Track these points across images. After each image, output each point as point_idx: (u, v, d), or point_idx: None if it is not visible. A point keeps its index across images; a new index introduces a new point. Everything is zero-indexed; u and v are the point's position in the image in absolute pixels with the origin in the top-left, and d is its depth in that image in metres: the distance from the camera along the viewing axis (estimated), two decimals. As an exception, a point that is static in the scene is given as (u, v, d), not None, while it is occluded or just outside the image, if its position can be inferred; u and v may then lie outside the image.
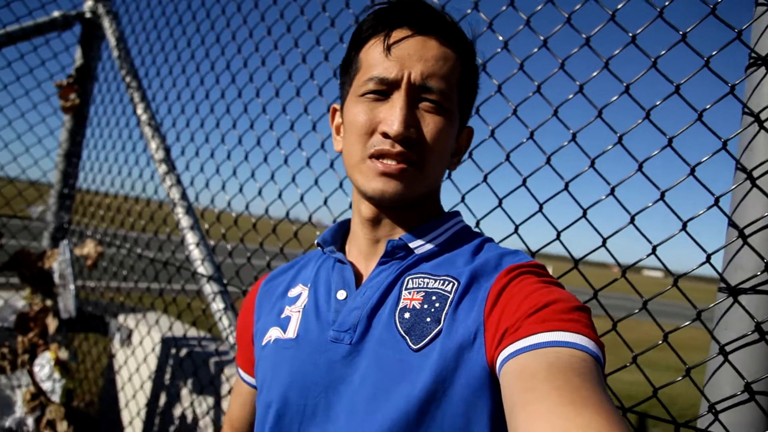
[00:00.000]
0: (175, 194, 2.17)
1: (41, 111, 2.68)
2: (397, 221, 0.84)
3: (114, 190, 2.78)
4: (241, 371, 1.01)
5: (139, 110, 2.37)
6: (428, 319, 0.73)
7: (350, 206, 1.05)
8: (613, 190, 1.22)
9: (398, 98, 0.76)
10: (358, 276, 0.85)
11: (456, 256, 0.81)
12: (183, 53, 2.33)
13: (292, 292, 0.91)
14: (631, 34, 1.21)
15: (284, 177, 1.75)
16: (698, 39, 1.25)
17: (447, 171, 0.96)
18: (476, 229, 1.00)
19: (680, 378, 1.13)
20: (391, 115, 0.75)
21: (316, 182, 1.66)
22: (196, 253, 2.07)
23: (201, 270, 2.04)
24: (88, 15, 2.74)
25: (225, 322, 1.94)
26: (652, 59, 1.18)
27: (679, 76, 1.17)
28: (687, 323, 1.13)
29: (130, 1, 2.76)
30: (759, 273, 1.04)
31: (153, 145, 2.29)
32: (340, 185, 1.62)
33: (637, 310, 1.15)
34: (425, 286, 0.77)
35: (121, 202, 2.67)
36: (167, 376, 2.41)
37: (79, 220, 3.00)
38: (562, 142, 1.28)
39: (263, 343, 0.88)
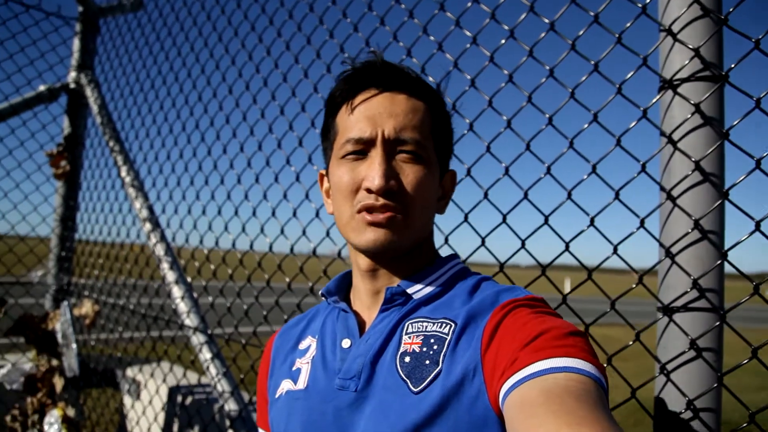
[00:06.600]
0: (159, 250, 2.25)
1: (35, 180, 2.81)
2: (394, 270, 0.87)
3: (109, 239, 2.87)
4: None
5: (123, 172, 2.48)
6: (427, 362, 0.75)
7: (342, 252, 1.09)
8: (546, 219, 1.25)
9: (376, 155, 0.81)
10: (361, 324, 0.88)
11: (453, 298, 0.83)
12: (157, 116, 2.44)
13: (302, 345, 0.94)
14: (548, 68, 1.26)
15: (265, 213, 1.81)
16: (612, 63, 1.29)
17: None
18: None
19: (624, 401, 1.14)
20: (372, 171, 0.80)
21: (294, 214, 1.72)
22: (182, 306, 2.14)
23: (187, 322, 2.10)
24: (72, 85, 2.88)
25: (213, 371, 2.00)
26: (570, 90, 1.23)
27: (596, 104, 1.22)
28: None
29: (108, 69, 2.91)
30: (689, 290, 1.05)
31: (137, 204, 2.38)
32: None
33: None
34: (424, 329, 0.79)
35: (117, 250, 2.76)
36: (174, 424, 2.47)
37: (80, 271, 3.08)
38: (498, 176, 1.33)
39: (276, 396, 0.90)
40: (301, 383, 0.86)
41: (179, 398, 2.48)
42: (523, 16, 1.32)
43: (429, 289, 0.85)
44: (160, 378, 2.55)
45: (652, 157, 1.13)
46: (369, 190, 0.80)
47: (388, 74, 0.84)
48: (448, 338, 0.76)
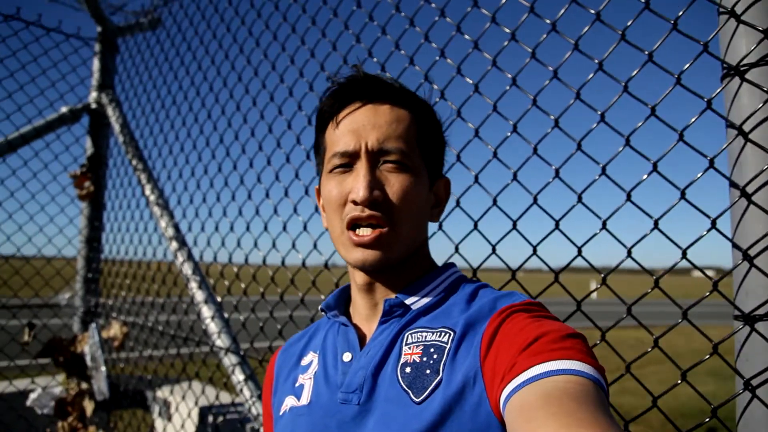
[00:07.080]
0: (187, 270, 2.21)
1: (59, 202, 2.81)
2: (390, 283, 0.87)
3: (136, 258, 2.84)
4: None
5: (147, 191, 2.45)
6: (428, 371, 0.75)
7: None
8: (604, 224, 1.16)
9: (360, 167, 0.82)
10: (362, 337, 0.88)
11: (452, 307, 0.83)
12: (180, 132, 2.41)
13: (304, 361, 0.94)
14: (597, 61, 1.17)
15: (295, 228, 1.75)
16: (669, 53, 1.20)
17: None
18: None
19: (707, 419, 1.04)
20: (357, 183, 0.81)
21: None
22: (212, 327, 2.09)
23: (218, 343, 2.04)
24: (93, 106, 2.88)
25: (246, 393, 1.93)
26: (623, 83, 1.14)
27: (654, 97, 1.13)
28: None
29: (128, 87, 2.89)
30: (772, 296, 0.96)
31: (162, 223, 2.34)
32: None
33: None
34: (423, 339, 0.79)
35: (144, 270, 2.72)
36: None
37: (107, 291, 3.06)
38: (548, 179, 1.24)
39: (280, 413, 0.90)
40: (305, 399, 0.86)
41: (211, 419, 2.43)
42: (564, 9, 1.24)
43: (427, 299, 0.85)
44: (192, 399, 2.50)
45: (721, 151, 1.04)
46: (355, 202, 0.81)
47: (371, 86, 0.86)
48: (448, 347, 0.76)
